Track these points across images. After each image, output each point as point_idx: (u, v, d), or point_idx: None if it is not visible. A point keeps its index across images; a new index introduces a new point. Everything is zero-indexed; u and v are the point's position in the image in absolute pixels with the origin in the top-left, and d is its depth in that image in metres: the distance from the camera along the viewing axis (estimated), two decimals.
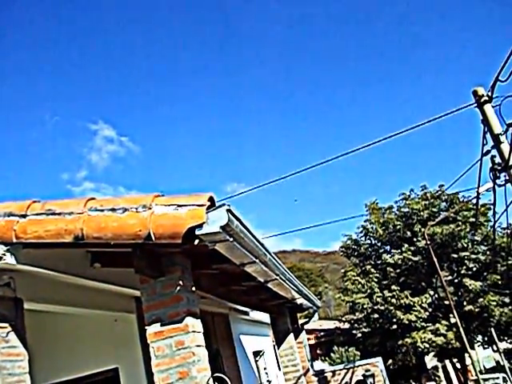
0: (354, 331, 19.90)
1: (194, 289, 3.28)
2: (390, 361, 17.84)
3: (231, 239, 2.61)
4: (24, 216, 2.74)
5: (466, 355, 17.26)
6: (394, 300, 17.05)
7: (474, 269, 17.03)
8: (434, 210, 18.23)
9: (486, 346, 19.56)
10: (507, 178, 5.97)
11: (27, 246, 2.77)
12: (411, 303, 16.82)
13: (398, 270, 17.93)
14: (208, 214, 2.45)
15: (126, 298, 4.56)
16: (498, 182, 6.24)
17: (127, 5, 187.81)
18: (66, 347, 5.09)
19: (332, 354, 20.86)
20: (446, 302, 15.96)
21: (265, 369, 10.80)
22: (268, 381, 10.56)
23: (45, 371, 4.68)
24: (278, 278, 4.13)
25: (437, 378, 21.68)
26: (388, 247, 19.34)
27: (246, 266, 3.31)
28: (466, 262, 17.10)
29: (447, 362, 21.28)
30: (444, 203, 18.79)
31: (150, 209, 2.57)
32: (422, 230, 16.61)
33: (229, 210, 2.48)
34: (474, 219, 16.88)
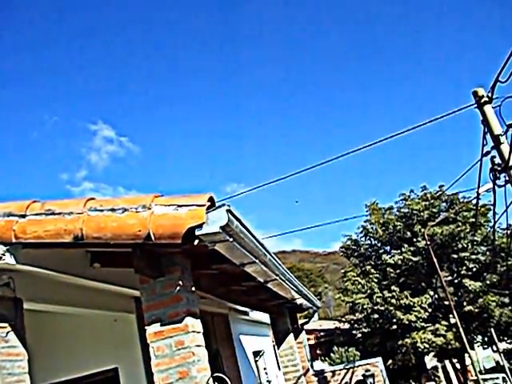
0: (354, 331, 19.91)
1: (193, 289, 3.28)
2: (390, 361, 17.85)
3: (231, 239, 2.61)
4: (23, 216, 2.74)
5: (466, 355, 17.27)
6: (393, 300, 17.05)
7: (474, 269, 17.04)
8: (434, 210, 18.25)
9: (485, 347, 19.59)
10: (507, 178, 5.98)
11: (27, 246, 2.77)
12: (411, 303, 16.83)
13: (397, 271, 17.94)
14: (208, 215, 2.45)
15: (126, 298, 4.56)
16: (497, 182, 6.24)
17: (127, 5, 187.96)
18: (66, 347, 5.09)
19: (332, 354, 20.87)
20: (446, 303, 15.96)
21: (265, 369, 10.79)
22: (268, 381, 10.56)
23: (44, 371, 4.68)
24: (277, 278, 4.13)
25: (436, 379, 21.68)
26: (388, 248, 19.36)
27: (245, 266, 3.31)
28: (465, 262, 17.12)
29: (447, 362, 21.30)
30: (444, 204, 18.81)
31: (149, 209, 2.57)
32: (422, 230, 16.62)
33: (229, 211, 2.48)
34: (473, 220, 16.89)
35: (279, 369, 10.35)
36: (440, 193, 18.55)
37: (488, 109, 5.98)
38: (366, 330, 19.04)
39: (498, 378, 16.40)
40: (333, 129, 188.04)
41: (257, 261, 3.25)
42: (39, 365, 4.13)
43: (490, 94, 5.90)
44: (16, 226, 2.70)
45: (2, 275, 2.91)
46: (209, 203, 2.53)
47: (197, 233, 2.45)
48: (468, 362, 17.90)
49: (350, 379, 11.85)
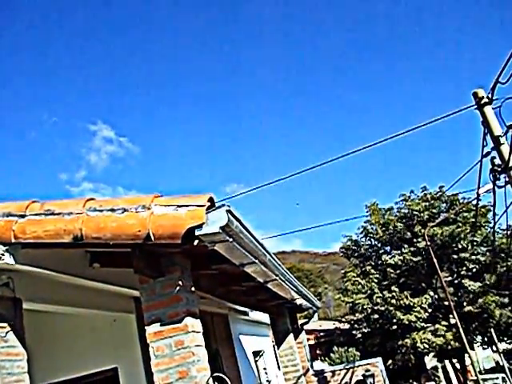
0: (354, 332, 19.91)
1: (193, 289, 3.28)
2: (390, 361, 17.84)
3: (231, 240, 2.61)
4: (23, 216, 2.74)
5: (466, 355, 17.28)
6: (393, 301, 17.05)
7: (474, 270, 17.04)
8: (434, 211, 18.25)
9: (485, 347, 19.59)
10: (507, 179, 5.98)
11: (26, 246, 2.77)
12: (411, 304, 16.83)
13: (398, 271, 17.94)
14: (208, 215, 2.45)
15: (125, 298, 4.56)
16: (497, 183, 6.25)
17: (127, 5, 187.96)
18: (65, 347, 5.10)
19: (332, 354, 20.87)
20: (446, 303, 15.96)
21: (264, 369, 10.79)
22: (268, 381, 10.56)
23: (44, 371, 4.68)
24: (277, 278, 4.12)
25: (436, 379, 21.68)
26: (388, 248, 19.36)
27: (245, 266, 3.31)
28: (465, 262, 17.12)
29: (447, 362, 21.30)
30: (444, 204, 18.81)
31: (149, 209, 2.57)
32: (422, 230, 16.62)
33: (228, 211, 2.48)
34: (473, 220, 16.90)
35: (279, 369, 10.35)
36: (440, 193, 18.56)
37: (488, 110, 5.99)
38: (365, 330, 19.04)
39: (497, 378, 16.41)
40: (333, 129, 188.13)
41: (256, 261, 3.25)
42: (38, 365, 4.13)
43: (490, 95, 5.91)
44: (15, 226, 2.70)
45: (2, 275, 2.91)
46: (209, 203, 2.53)
47: (197, 233, 2.45)
48: (468, 362, 17.90)
49: (350, 379, 11.86)
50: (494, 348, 18.41)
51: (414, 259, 17.38)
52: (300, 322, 10.27)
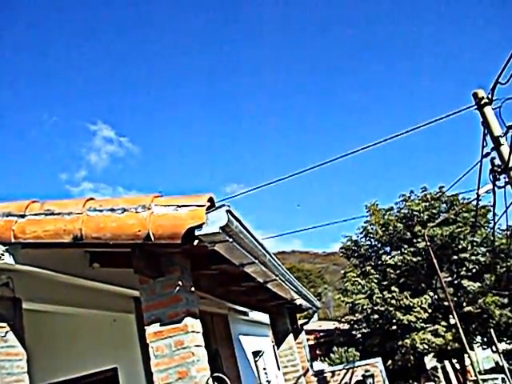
0: (354, 332, 19.91)
1: (193, 289, 3.28)
2: (390, 361, 17.84)
3: (231, 240, 2.61)
4: (23, 216, 2.73)
5: (466, 356, 17.28)
6: (393, 301, 17.04)
7: (474, 270, 17.04)
8: (434, 211, 18.25)
9: (485, 347, 19.56)
10: (507, 179, 5.98)
11: (26, 245, 2.76)
12: (411, 304, 16.82)
13: (397, 271, 17.93)
14: (208, 215, 2.45)
15: (125, 298, 4.56)
16: (497, 183, 6.25)
17: (127, 5, 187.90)
18: (65, 347, 5.09)
19: (331, 355, 20.86)
20: (446, 303, 15.96)
21: (264, 369, 10.79)
22: (267, 381, 10.56)
23: (43, 371, 4.68)
24: (277, 278, 4.12)
25: (436, 379, 21.68)
26: (388, 248, 19.35)
27: (245, 266, 3.31)
28: (465, 263, 17.12)
29: (446, 362, 21.29)
30: (444, 205, 18.81)
31: (149, 209, 2.56)
32: (422, 231, 16.62)
33: (228, 211, 2.48)
34: (473, 221, 16.89)
35: (279, 369, 10.35)
36: (440, 194, 18.55)
37: (488, 110, 5.99)
38: (365, 331, 19.04)
39: (497, 379, 16.39)
40: (333, 130, 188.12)
41: (256, 261, 3.25)
42: (38, 364, 4.13)
43: (490, 96, 5.91)
44: (15, 226, 2.70)
45: (1, 275, 2.91)
46: (208, 204, 2.53)
47: (196, 233, 2.45)
48: (467, 362, 17.90)
49: (350, 379, 11.86)
50: (494, 348, 18.39)
51: (414, 259, 17.37)
52: (300, 322, 10.27)
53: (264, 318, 10.03)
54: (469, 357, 14.58)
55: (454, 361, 19.43)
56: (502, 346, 19.04)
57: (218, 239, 2.55)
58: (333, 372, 12.08)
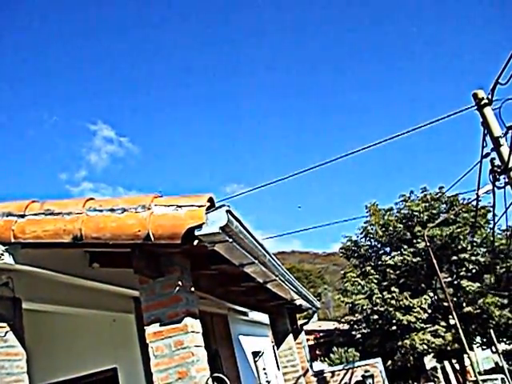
0: (354, 332, 19.91)
1: (193, 289, 3.28)
2: (389, 362, 17.84)
3: (230, 240, 2.61)
4: (22, 216, 2.73)
5: (465, 356, 17.27)
6: (393, 301, 17.04)
7: (474, 270, 17.05)
8: (434, 211, 18.25)
9: (484, 348, 19.57)
10: (507, 180, 5.98)
11: (26, 245, 2.76)
12: (411, 304, 16.83)
13: (397, 272, 17.94)
14: (207, 215, 2.45)
15: (125, 298, 4.56)
16: (497, 184, 6.25)
17: (127, 5, 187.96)
18: (65, 347, 5.09)
19: (331, 355, 20.86)
20: (446, 304, 15.96)
21: (264, 369, 10.79)
22: (267, 381, 10.55)
23: (43, 371, 4.68)
24: (277, 278, 4.12)
25: (436, 379, 21.69)
26: (388, 249, 19.36)
27: (245, 266, 3.30)
28: (465, 263, 17.13)
29: (446, 363, 21.29)
30: (444, 205, 18.82)
31: (149, 209, 2.56)
32: (422, 231, 16.62)
33: (228, 211, 2.48)
34: (473, 221, 16.90)
35: (278, 369, 10.35)
36: (440, 194, 18.57)
37: (488, 111, 5.99)
38: (365, 331, 19.04)
39: (496, 379, 16.38)
40: (333, 130, 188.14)
41: (256, 261, 3.25)
42: (38, 364, 4.13)
43: (489, 96, 5.91)
44: (15, 226, 2.70)
45: (1, 275, 2.91)
46: (208, 204, 2.53)
47: (196, 233, 2.45)
48: (467, 362, 17.91)
49: (350, 380, 11.87)
50: (494, 349, 18.40)
51: (414, 260, 17.38)
52: (299, 322, 10.26)
53: (264, 318, 10.02)
54: (468, 357, 14.58)
55: (454, 361, 19.44)
56: (502, 347, 19.04)
57: (218, 239, 2.55)
58: (332, 372, 12.08)
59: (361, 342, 19.65)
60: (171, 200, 2.60)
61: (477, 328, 17.02)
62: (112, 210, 2.62)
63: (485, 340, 18.11)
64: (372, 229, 19.35)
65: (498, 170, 5.99)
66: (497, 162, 6.01)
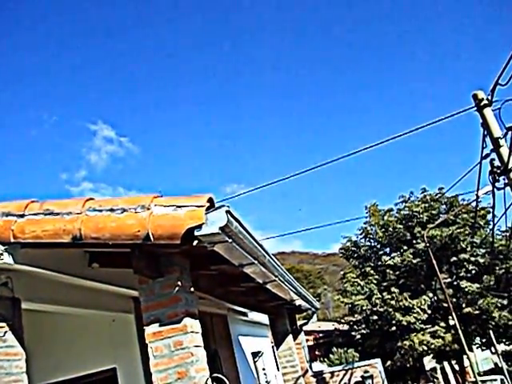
0: (353, 333, 19.93)
1: (192, 289, 3.28)
2: (389, 362, 17.85)
3: (230, 240, 2.61)
4: (22, 216, 2.73)
5: (465, 357, 17.28)
6: (393, 302, 17.06)
7: (473, 271, 17.06)
8: (434, 212, 18.27)
9: (484, 348, 19.58)
10: (506, 181, 5.98)
11: (25, 245, 2.76)
12: (410, 305, 16.84)
13: (397, 272, 17.95)
14: (207, 215, 2.45)
15: (124, 298, 4.56)
16: (497, 185, 6.25)
17: (127, 5, 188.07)
18: (64, 347, 5.09)
19: (331, 355, 20.87)
20: (445, 304, 15.96)
21: (263, 370, 10.79)
22: (267, 382, 10.55)
23: (42, 371, 4.68)
24: (276, 279, 4.12)
25: (435, 380, 21.68)
26: (388, 249, 19.37)
27: (244, 267, 3.31)
28: (465, 264, 17.14)
29: (446, 363, 21.29)
30: (444, 206, 18.83)
31: (148, 209, 2.56)
32: (422, 232, 16.64)
33: (228, 212, 2.48)
34: (473, 222, 16.91)
35: (278, 370, 10.35)
36: (440, 195, 18.58)
37: (488, 112, 5.99)
38: (365, 332, 19.05)
39: (496, 380, 16.38)
40: (333, 130, 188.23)
41: (256, 262, 3.25)
42: (37, 364, 4.13)
43: (489, 97, 5.91)
44: (14, 226, 2.70)
45: (0, 275, 2.91)
46: (208, 204, 2.53)
47: (196, 233, 2.45)
48: (466, 363, 17.91)
49: (349, 380, 11.86)
50: (493, 350, 18.41)
51: (414, 260, 17.39)
52: (299, 322, 10.27)
53: (263, 318, 10.03)
54: (468, 358, 14.58)
55: (453, 362, 19.44)
56: (501, 348, 19.06)
57: (218, 240, 2.55)
58: (332, 373, 12.08)
59: (360, 343, 19.67)
60: (171, 200, 2.60)
61: (476, 329, 17.03)
62: (112, 210, 2.62)
63: (484, 341, 18.12)
64: (372, 229, 19.37)
65: (498, 171, 5.99)
66: (496, 162, 6.01)
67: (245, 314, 9.56)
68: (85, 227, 2.60)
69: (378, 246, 19.71)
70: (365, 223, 19.58)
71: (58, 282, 3.41)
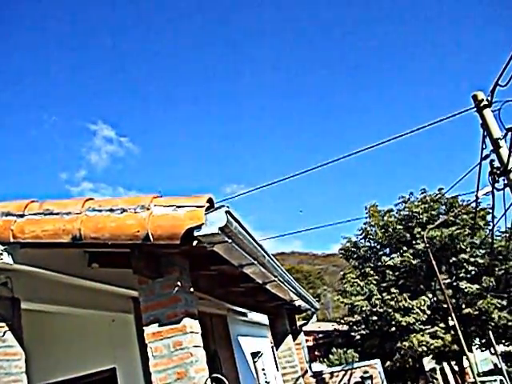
0: (353, 333, 19.94)
1: (192, 290, 3.28)
2: (388, 363, 17.86)
3: (230, 240, 2.61)
4: (22, 216, 2.73)
5: (464, 358, 17.28)
6: (392, 302, 17.06)
7: (473, 272, 17.07)
8: (434, 213, 18.28)
9: (483, 349, 19.59)
10: (506, 182, 5.98)
11: (25, 245, 2.76)
12: (410, 306, 16.85)
13: (397, 273, 17.96)
14: (207, 216, 2.45)
15: (124, 298, 4.56)
16: (496, 186, 6.25)
17: (127, 5, 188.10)
18: (63, 347, 5.08)
19: (330, 356, 20.88)
20: (445, 305, 15.97)
21: (263, 370, 10.79)
22: (266, 382, 10.55)
23: (42, 371, 4.67)
24: (276, 279, 4.12)
25: (434, 381, 21.68)
26: (387, 250, 19.38)
27: (244, 267, 3.30)
28: (464, 265, 17.15)
29: (445, 364, 21.30)
30: (443, 207, 18.85)
31: (148, 209, 2.56)
32: (422, 233, 16.65)
33: (228, 212, 2.48)
34: (472, 223, 16.92)
35: (278, 370, 10.35)
36: (439, 196, 18.60)
37: (487, 112, 5.99)
38: (364, 332, 19.07)
39: (495, 381, 16.39)
40: (333, 131, 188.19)
41: (255, 262, 3.25)
42: (36, 364, 4.12)
43: (489, 98, 5.91)
44: (14, 226, 2.70)
45: (0, 275, 2.91)
46: (208, 204, 2.53)
47: (195, 234, 2.45)
48: (466, 364, 17.91)
49: (349, 381, 11.85)
50: (492, 350, 18.42)
51: (413, 261, 17.40)
52: (299, 323, 10.26)
53: (263, 319, 10.02)
54: (467, 358, 14.57)
55: (453, 362, 19.45)
56: (501, 348, 19.06)
57: (217, 240, 2.55)
58: (331, 373, 12.06)
59: (360, 343, 19.68)
60: (170, 200, 2.60)
61: (476, 329, 17.04)
62: (111, 210, 2.62)
63: (484, 341, 18.14)
64: (371, 230, 19.38)
65: (498, 172, 5.99)
66: (496, 163, 6.01)
67: (244, 315, 9.56)
68: (84, 227, 2.60)
69: (378, 247, 19.72)
70: (365, 224, 19.63)
71: (57, 282, 3.41)
